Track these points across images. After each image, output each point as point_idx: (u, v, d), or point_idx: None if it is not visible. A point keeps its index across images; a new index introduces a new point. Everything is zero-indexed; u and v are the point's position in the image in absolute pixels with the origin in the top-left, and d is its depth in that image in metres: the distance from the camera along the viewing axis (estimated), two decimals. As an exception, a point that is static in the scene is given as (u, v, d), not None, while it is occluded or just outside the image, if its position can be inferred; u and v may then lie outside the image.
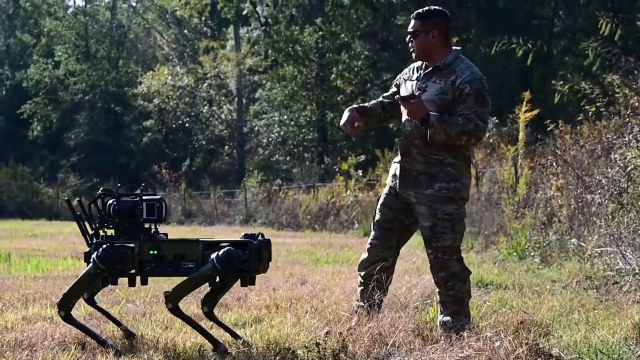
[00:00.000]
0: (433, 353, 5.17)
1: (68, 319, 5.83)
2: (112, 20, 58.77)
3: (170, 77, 50.95)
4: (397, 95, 6.16)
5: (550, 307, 7.29)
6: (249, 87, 49.64)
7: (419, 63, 6.33)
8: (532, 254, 11.86)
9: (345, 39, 39.56)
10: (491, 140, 20.15)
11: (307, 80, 40.58)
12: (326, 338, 5.53)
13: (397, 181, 6.25)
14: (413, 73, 6.35)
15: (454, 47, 6.22)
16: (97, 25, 58.80)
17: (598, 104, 12.55)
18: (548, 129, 14.28)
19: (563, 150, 12.95)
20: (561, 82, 13.14)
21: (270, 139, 42.84)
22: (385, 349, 5.40)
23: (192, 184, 42.99)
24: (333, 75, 38.91)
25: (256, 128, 45.66)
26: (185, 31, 56.44)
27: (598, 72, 13.47)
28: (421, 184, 6.11)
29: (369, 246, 6.36)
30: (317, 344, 5.36)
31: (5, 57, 58.92)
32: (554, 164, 13.30)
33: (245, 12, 46.85)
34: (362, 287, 6.35)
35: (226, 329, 6.03)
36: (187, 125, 51.10)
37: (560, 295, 8.25)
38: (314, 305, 7.57)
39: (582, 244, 10.61)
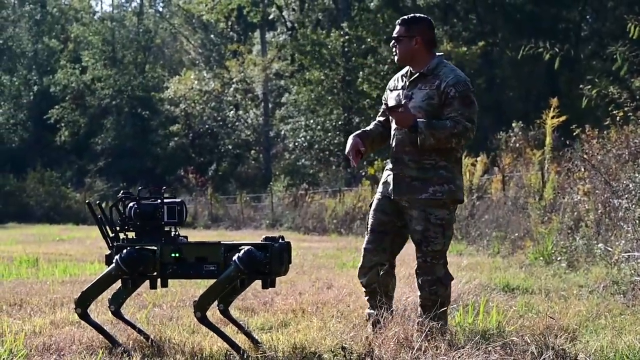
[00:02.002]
0: (459, 358, 5.17)
1: (84, 316, 5.89)
2: (139, 25, 58.95)
3: (196, 82, 51.07)
4: (383, 107, 6.22)
5: (576, 312, 7.27)
6: (275, 91, 49.71)
7: (403, 71, 6.43)
8: (558, 258, 11.82)
9: (372, 43, 39.51)
10: (518, 145, 20.12)
11: (334, 84, 40.58)
12: (352, 342, 5.54)
13: (391, 188, 6.30)
14: (398, 82, 6.44)
15: (437, 54, 6.32)
16: (124, 30, 59.06)
17: (626, 109, 12.47)
18: (574, 134, 14.22)
19: (590, 155, 12.90)
20: (589, 87, 13.04)
21: (296, 143, 42.85)
22: (412, 353, 5.39)
23: (218, 189, 43.06)
24: (359, 80, 38.88)
25: (282, 132, 45.71)
26: (212, 36, 56.56)
27: (626, 77, 13.38)
28: (415, 189, 6.17)
29: (363, 252, 6.43)
30: (343, 348, 5.38)
31: (33, 62, 59.23)
32: (581, 168, 13.24)
33: (271, 16, 46.98)
34: (368, 296, 6.40)
35: (241, 329, 6.09)
36: (213, 129, 51.20)
37: (587, 300, 8.23)
38: (340, 309, 7.59)
39: (609, 249, 10.56)
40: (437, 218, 6.13)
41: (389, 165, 6.37)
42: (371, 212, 6.43)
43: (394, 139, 6.30)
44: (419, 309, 6.24)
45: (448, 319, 6.42)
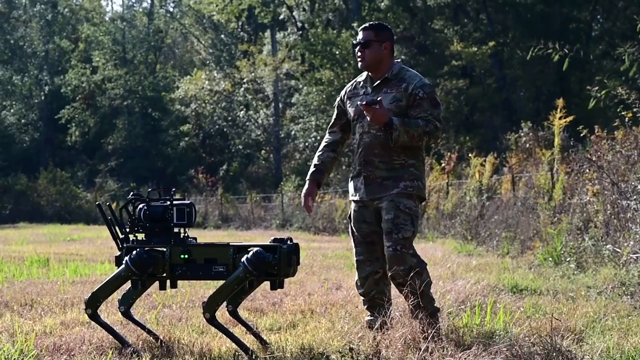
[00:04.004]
0: (465, 359, 5.20)
1: (94, 317, 5.94)
2: (149, 25, 59.09)
3: (207, 82, 51.11)
4: (360, 103, 6.27)
5: (584, 313, 7.30)
6: (285, 91, 49.73)
7: (360, 79, 6.60)
8: (567, 259, 11.83)
9: (382, 43, 39.46)
10: (527, 145, 20.11)
11: (344, 84, 40.58)
12: (360, 343, 5.58)
13: (363, 191, 6.44)
14: (358, 90, 6.59)
15: (395, 60, 6.49)
16: (135, 30, 59.21)
17: (635, 110, 12.47)
18: (581, 135, 14.22)
19: (598, 156, 12.90)
20: (597, 88, 13.05)
21: (306, 144, 42.88)
22: (419, 354, 5.43)
23: (228, 189, 43.12)
24: (369, 80, 38.85)
25: (293, 132, 45.75)
26: (222, 36, 56.64)
27: (636, 77, 13.38)
28: (387, 188, 6.35)
29: (357, 264, 6.55)
30: (351, 349, 5.42)
31: (44, 62, 59.44)
32: (589, 169, 13.24)
33: (282, 16, 47.00)
34: (367, 304, 6.54)
35: (250, 329, 6.15)
36: (224, 129, 51.26)
37: (594, 301, 8.25)
38: (349, 310, 7.63)
39: (618, 250, 10.58)
40: (406, 207, 6.29)
41: (355, 172, 6.51)
42: (352, 224, 6.57)
43: (361, 144, 6.45)
44: (406, 302, 6.27)
45: (454, 320, 6.45)
